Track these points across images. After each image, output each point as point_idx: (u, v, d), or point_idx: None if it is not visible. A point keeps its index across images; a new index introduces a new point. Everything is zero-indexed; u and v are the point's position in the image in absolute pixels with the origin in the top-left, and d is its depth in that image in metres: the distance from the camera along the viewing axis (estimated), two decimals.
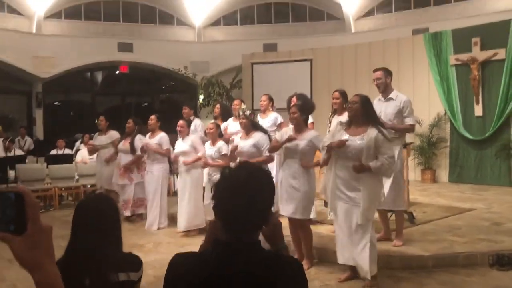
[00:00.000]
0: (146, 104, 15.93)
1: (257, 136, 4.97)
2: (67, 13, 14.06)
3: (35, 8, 13.18)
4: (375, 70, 5.15)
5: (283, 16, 14.98)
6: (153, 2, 14.67)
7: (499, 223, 5.75)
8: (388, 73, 5.10)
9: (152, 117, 6.96)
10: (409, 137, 9.41)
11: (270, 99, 6.60)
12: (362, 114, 3.91)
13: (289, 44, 13.42)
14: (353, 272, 4.09)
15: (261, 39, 14.33)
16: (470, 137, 9.74)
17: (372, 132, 3.85)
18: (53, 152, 10.54)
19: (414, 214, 5.91)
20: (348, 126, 3.99)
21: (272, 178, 1.54)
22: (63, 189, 8.84)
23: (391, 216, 5.71)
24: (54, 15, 13.77)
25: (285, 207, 4.51)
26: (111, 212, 1.92)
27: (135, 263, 1.88)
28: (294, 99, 5.73)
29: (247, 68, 13.06)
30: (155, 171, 6.65)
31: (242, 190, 1.43)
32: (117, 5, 14.58)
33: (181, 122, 6.44)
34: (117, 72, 14.92)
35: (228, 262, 1.39)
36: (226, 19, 15.11)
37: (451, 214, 6.26)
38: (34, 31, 13.24)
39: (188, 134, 6.38)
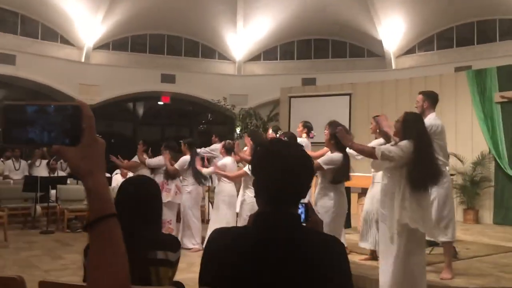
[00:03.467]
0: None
1: None
2: (115, 45, 14.70)
3: (86, 40, 13.86)
4: (419, 93, 5.10)
5: (323, 52, 15.13)
6: (197, 37, 15.16)
7: None
8: (426, 97, 4.99)
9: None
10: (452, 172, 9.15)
11: (305, 127, 6.61)
12: (401, 131, 3.88)
13: (328, 79, 13.48)
14: None
15: (300, 74, 14.47)
16: None
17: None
18: None
19: (457, 249, 5.62)
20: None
21: (305, 152, 1.52)
22: None
23: (431, 250, 5.47)
24: (102, 46, 14.42)
25: None
26: (153, 193, 1.94)
27: (174, 244, 1.87)
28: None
29: (285, 101, 13.15)
30: (191, 191, 6.75)
31: (284, 162, 1.42)
32: (162, 38, 15.15)
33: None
34: (159, 103, 15.32)
35: (270, 231, 1.36)
36: (266, 54, 15.39)
37: (497, 252, 5.93)
38: (83, 60, 13.87)
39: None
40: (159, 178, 7.18)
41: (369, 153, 3.85)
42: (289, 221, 1.39)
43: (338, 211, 4.39)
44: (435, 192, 4.65)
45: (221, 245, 1.42)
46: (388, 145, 3.83)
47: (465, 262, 5.26)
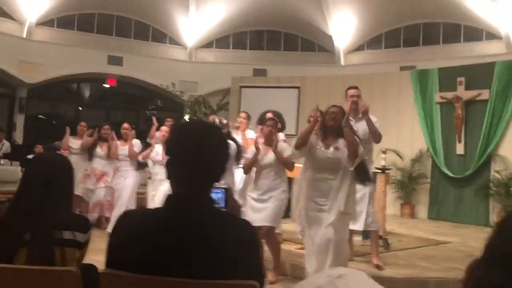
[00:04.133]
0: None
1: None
2: (60, 22, 14.05)
3: (28, 15, 13.15)
4: (352, 88, 5.15)
5: (275, 44, 15.17)
6: (148, 19, 14.76)
7: (473, 255, 5.65)
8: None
9: (126, 125, 6.99)
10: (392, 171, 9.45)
11: (249, 118, 6.68)
12: (337, 125, 3.90)
13: (278, 71, 13.54)
14: None
15: (251, 64, 14.44)
16: (451, 174, 9.77)
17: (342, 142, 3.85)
18: (30, 157, 10.37)
19: (389, 241, 5.83)
20: (323, 137, 3.96)
21: (223, 134, 1.49)
22: None
23: (364, 242, 5.64)
24: (46, 22, 13.74)
25: (254, 217, 4.44)
26: (63, 170, 1.84)
27: (83, 225, 1.79)
28: (269, 114, 5.79)
29: (236, 91, 13.09)
30: (127, 176, 6.61)
31: (199, 144, 1.37)
32: (111, 19, 14.63)
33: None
34: (105, 85, 14.83)
35: (179, 212, 1.32)
36: (218, 42, 15.25)
37: (426, 245, 6.19)
38: (24, 36, 13.17)
39: None
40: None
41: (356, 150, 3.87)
42: (201, 204, 1.36)
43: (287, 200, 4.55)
44: (367, 187, 4.80)
45: (128, 226, 1.37)
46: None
47: (396, 254, 5.46)
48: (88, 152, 7.30)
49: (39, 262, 1.60)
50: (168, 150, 1.41)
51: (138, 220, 1.37)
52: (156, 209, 1.42)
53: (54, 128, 14.73)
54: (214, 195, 1.60)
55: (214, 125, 1.52)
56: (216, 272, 1.31)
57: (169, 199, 1.38)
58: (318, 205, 3.89)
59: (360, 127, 4.81)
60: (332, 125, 3.93)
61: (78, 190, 7.46)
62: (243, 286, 1.32)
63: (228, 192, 1.59)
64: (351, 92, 5.05)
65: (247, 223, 1.42)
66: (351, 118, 4.88)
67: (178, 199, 1.37)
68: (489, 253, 0.58)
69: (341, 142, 3.84)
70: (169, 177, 1.42)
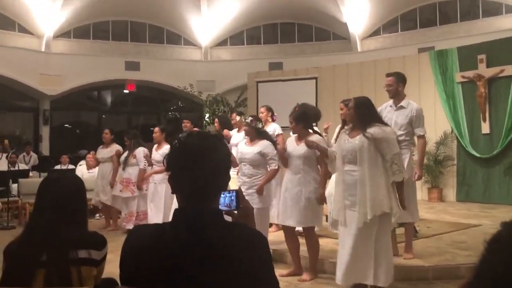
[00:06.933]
0: (152, 128, 15.85)
1: (263, 144, 4.86)
2: (76, 33, 14.29)
3: (45, 29, 13.41)
4: (387, 75, 4.97)
5: (289, 36, 15.08)
6: (161, 22, 14.87)
7: None
8: (399, 79, 4.85)
9: (156, 129, 7.00)
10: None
11: (269, 110, 6.60)
12: (357, 117, 3.83)
13: (294, 63, 13.45)
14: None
15: (267, 58, 14.39)
16: (477, 155, 9.55)
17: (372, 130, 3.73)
18: (57, 167, 10.59)
19: (417, 229, 5.74)
20: (351, 130, 3.92)
21: (224, 142, 1.49)
22: None
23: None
24: (63, 34, 14.00)
25: (287, 216, 4.41)
26: (76, 190, 1.88)
27: (98, 242, 1.82)
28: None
29: (252, 87, 13.07)
30: (157, 182, 6.59)
31: (198, 158, 1.36)
32: (126, 25, 14.80)
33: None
34: (124, 91, 15.03)
35: (186, 228, 1.32)
36: (233, 39, 15.24)
37: (456, 229, 6.07)
38: (43, 49, 13.44)
39: None
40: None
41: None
42: (209, 218, 1.35)
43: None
44: (406, 175, 4.68)
45: (139, 243, 1.37)
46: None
47: (424, 241, 5.37)
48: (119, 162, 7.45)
49: (57, 283, 1.64)
50: (168, 166, 1.41)
51: (146, 236, 1.37)
52: (164, 224, 1.43)
53: (78, 137, 15.05)
54: (225, 199, 1.60)
55: (213, 136, 1.50)
56: (229, 287, 1.31)
57: (177, 214, 1.39)
58: (345, 199, 3.80)
59: (400, 116, 4.72)
60: (350, 120, 3.93)
61: (107, 198, 7.65)
62: None
63: (238, 194, 1.58)
64: (385, 80, 4.88)
65: (257, 233, 1.41)
66: (393, 105, 4.79)
67: (184, 213, 1.37)
68: (479, 273, 0.56)
69: (370, 130, 3.73)
70: (173, 192, 1.42)
